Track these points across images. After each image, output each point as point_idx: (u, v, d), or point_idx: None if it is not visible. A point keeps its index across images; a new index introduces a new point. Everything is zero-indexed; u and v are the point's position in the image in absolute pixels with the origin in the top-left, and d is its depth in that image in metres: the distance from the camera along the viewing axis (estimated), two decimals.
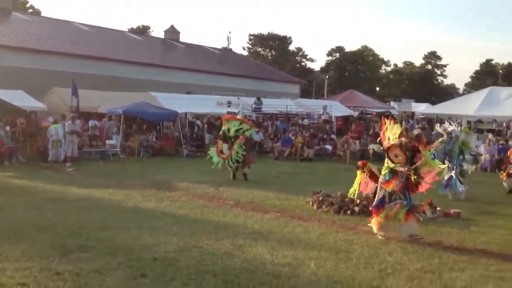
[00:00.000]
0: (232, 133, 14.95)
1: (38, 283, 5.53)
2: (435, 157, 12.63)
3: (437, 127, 13.39)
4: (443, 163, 12.67)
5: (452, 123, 13.73)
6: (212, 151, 15.30)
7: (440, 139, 13.15)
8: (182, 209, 10.06)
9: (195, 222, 8.89)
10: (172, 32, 45.03)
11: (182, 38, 45.90)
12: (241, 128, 15.00)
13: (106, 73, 29.97)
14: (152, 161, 19.15)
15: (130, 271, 6.00)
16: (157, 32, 70.83)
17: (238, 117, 15.59)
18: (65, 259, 6.42)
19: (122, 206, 10.32)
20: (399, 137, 8.14)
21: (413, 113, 32.61)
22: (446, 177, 12.58)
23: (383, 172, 8.26)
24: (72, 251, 6.75)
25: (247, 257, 6.70)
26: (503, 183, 14.08)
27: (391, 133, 8.25)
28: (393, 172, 8.07)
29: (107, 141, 20.21)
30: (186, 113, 24.68)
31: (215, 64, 41.27)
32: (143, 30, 67.73)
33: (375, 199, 8.32)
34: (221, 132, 15.57)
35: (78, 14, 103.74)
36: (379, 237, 8.00)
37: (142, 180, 14.05)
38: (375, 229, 8.17)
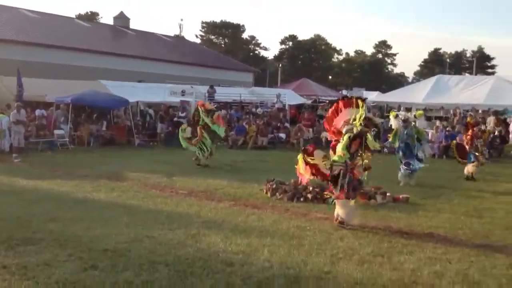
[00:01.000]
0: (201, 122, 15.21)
1: None
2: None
3: (392, 120, 13.59)
4: (402, 152, 13.06)
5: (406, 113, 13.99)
6: (181, 137, 15.49)
7: (394, 131, 13.38)
8: (133, 200, 9.90)
9: (147, 212, 8.77)
10: (122, 19, 44.10)
11: (132, 25, 45.07)
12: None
13: (54, 61, 29.06)
14: (103, 151, 18.74)
15: (80, 263, 5.87)
16: (106, 18, 69.38)
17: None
18: (12, 252, 6.23)
19: (71, 197, 10.06)
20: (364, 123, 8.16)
21: None
22: (403, 164, 12.89)
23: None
24: (19, 244, 6.54)
25: (200, 246, 6.67)
26: (469, 168, 13.89)
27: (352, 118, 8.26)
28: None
29: (55, 131, 19.66)
30: (137, 102, 24.25)
31: (168, 52, 40.69)
32: (91, 17, 66.12)
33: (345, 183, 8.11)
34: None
35: (24, 0, 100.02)
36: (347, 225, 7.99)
37: (92, 171, 13.73)
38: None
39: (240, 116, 25.24)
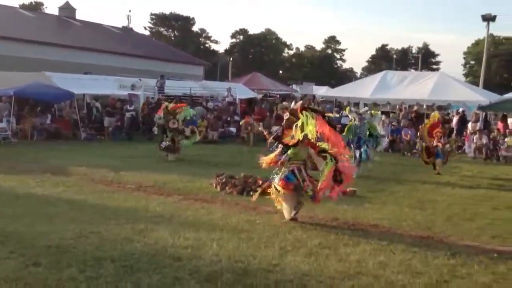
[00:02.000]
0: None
1: None
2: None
3: (348, 112, 13.81)
4: (355, 145, 13.31)
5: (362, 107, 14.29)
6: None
7: (349, 124, 13.61)
8: (79, 195, 9.66)
9: (93, 207, 8.58)
10: (67, 9, 42.86)
11: (79, 16, 43.91)
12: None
13: None
14: (47, 145, 18.17)
15: (22, 260, 5.68)
16: (51, 9, 67.40)
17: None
18: None
19: (14, 192, 9.71)
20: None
21: (314, 96, 33.57)
22: (357, 155, 13.17)
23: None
24: None
25: (148, 242, 6.58)
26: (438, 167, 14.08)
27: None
28: None
29: None
30: (84, 95, 23.65)
31: (116, 43, 39.88)
32: (35, 7, 63.96)
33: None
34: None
35: None
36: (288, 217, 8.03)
37: (36, 165, 13.27)
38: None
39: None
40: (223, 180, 10.81)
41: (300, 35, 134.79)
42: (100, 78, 26.21)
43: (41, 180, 10.99)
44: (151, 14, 75.71)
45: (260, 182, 10.35)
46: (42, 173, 11.96)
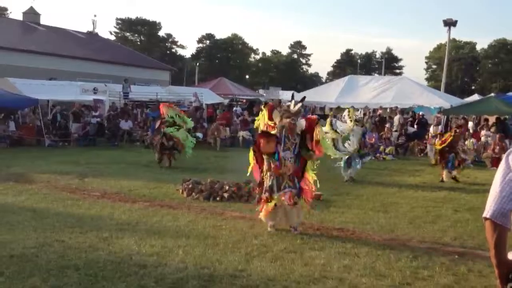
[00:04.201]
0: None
1: None
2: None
3: (343, 121, 13.85)
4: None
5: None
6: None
7: (347, 129, 13.62)
8: (43, 203, 9.48)
9: (57, 215, 8.44)
10: (32, 14, 42.12)
11: (43, 21, 43.16)
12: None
13: None
14: (10, 152, 17.75)
15: None
16: (15, 14, 66.13)
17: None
18: None
19: None
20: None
21: (280, 100, 33.77)
22: (345, 159, 13.36)
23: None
24: None
25: (112, 249, 6.53)
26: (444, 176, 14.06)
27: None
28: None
29: None
30: (48, 101, 23.24)
31: (80, 48, 39.31)
32: None
33: (264, 188, 7.93)
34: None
35: None
36: (269, 228, 7.85)
37: None
38: (264, 219, 7.96)
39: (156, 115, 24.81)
40: (190, 186, 10.77)
41: (266, 40, 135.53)
42: (64, 84, 25.83)
43: (3, 188, 10.73)
44: (117, 19, 75.18)
45: (227, 188, 10.40)
46: (5, 181, 11.68)
